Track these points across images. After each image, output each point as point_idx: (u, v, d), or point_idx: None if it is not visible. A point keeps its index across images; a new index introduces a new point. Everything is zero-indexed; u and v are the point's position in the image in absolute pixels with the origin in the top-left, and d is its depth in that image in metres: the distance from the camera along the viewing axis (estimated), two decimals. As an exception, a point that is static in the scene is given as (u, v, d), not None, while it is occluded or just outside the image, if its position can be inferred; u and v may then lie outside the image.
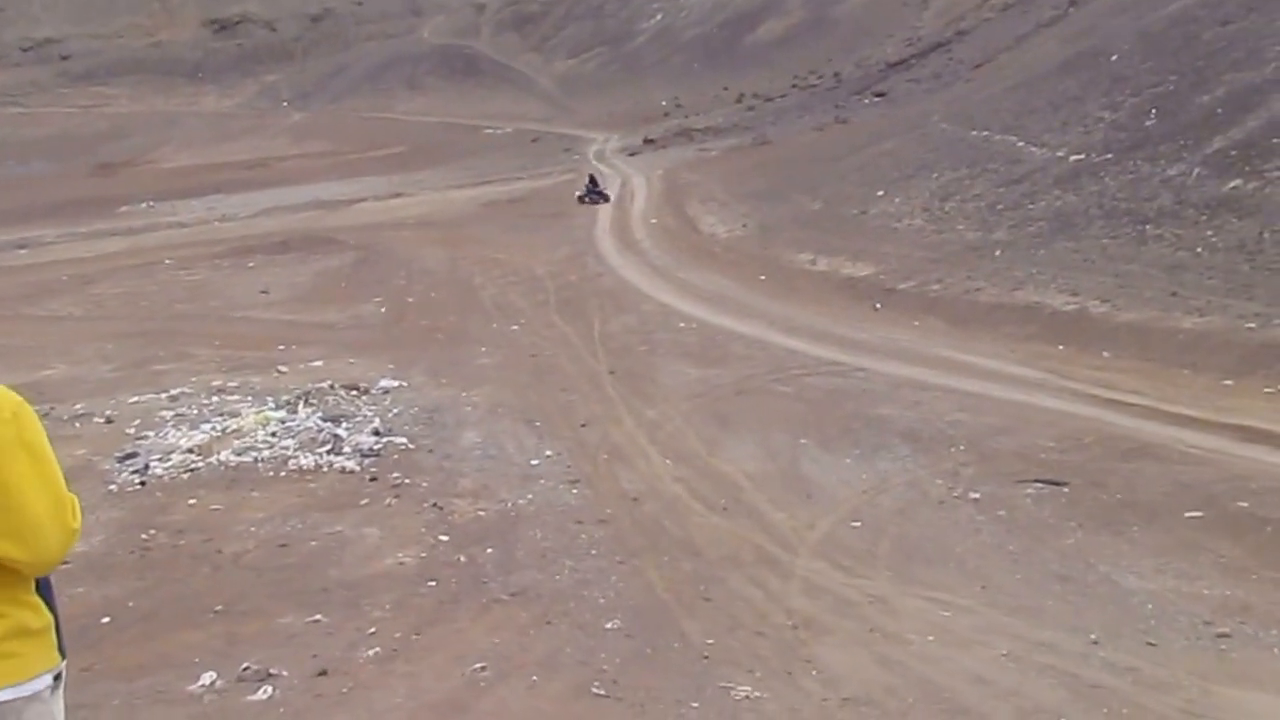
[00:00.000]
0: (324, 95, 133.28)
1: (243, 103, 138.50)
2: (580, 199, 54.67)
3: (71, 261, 49.21)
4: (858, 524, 15.38)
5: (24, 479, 4.21)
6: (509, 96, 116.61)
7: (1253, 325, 22.77)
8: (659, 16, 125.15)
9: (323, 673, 11.43)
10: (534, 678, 11.11)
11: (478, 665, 11.38)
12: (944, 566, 13.74)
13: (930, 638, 11.80)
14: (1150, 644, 11.48)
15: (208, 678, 11.38)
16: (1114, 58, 42.03)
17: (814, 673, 11.11)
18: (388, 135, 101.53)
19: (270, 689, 11.11)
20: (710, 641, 11.84)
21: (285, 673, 11.45)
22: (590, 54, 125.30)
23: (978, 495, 16.21)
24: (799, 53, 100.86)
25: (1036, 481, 16.60)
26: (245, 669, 11.50)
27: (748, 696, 10.62)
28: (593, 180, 56.31)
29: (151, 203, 73.46)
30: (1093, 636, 11.65)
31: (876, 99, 76.03)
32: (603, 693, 10.75)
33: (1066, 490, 16.20)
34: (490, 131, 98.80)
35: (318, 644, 12.17)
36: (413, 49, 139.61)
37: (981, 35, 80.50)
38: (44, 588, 4.49)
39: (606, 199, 54.41)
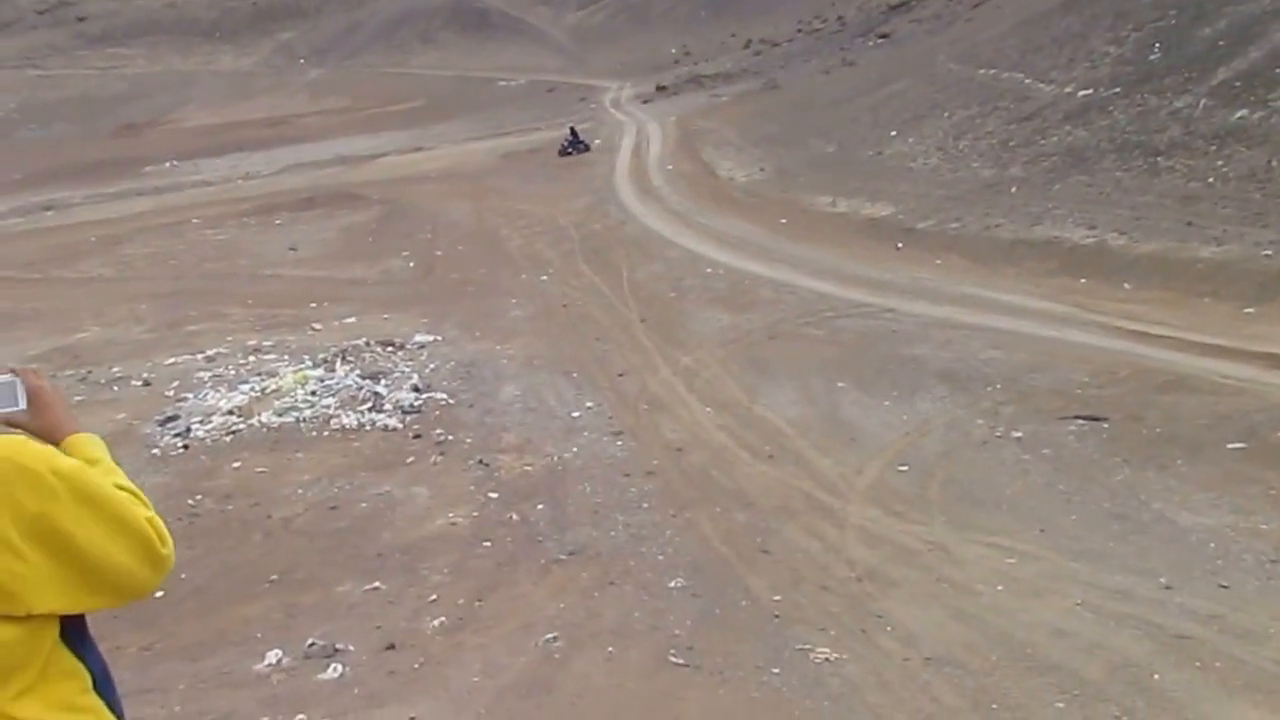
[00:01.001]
0: (340, 51, 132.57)
1: (260, 61, 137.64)
2: (561, 151, 54.29)
3: (99, 223, 48.78)
4: (905, 468, 14.97)
5: (94, 534, 3.57)
6: (522, 49, 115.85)
7: (1269, 253, 22.33)
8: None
9: (390, 646, 10.98)
10: (610, 649, 10.62)
11: (549, 635, 10.90)
12: (997, 509, 13.33)
13: (999, 587, 11.37)
14: (1223, 586, 11.03)
15: (273, 656, 10.92)
16: (1116, -8, 41.43)
17: (888, 629, 10.66)
18: (404, 90, 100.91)
19: (339, 666, 10.62)
20: (777, 598, 11.42)
21: (352, 647, 11.00)
22: (599, 5, 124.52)
23: (1020, 434, 15.78)
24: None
25: (1077, 418, 16.18)
26: (311, 645, 11.03)
27: (828, 659, 10.16)
28: (573, 132, 55.66)
29: (175, 162, 73.08)
30: (1163, 580, 11.21)
31: (881, 40, 75.45)
32: (681, 661, 10.29)
33: (1107, 426, 15.78)
34: (505, 84, 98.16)
35: (380, 614, 11.76)
36: (426, 4, 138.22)
37: (980, -25, 79.71)
38: (103, 685, 3.88)
39: (587, 148, 53.98)
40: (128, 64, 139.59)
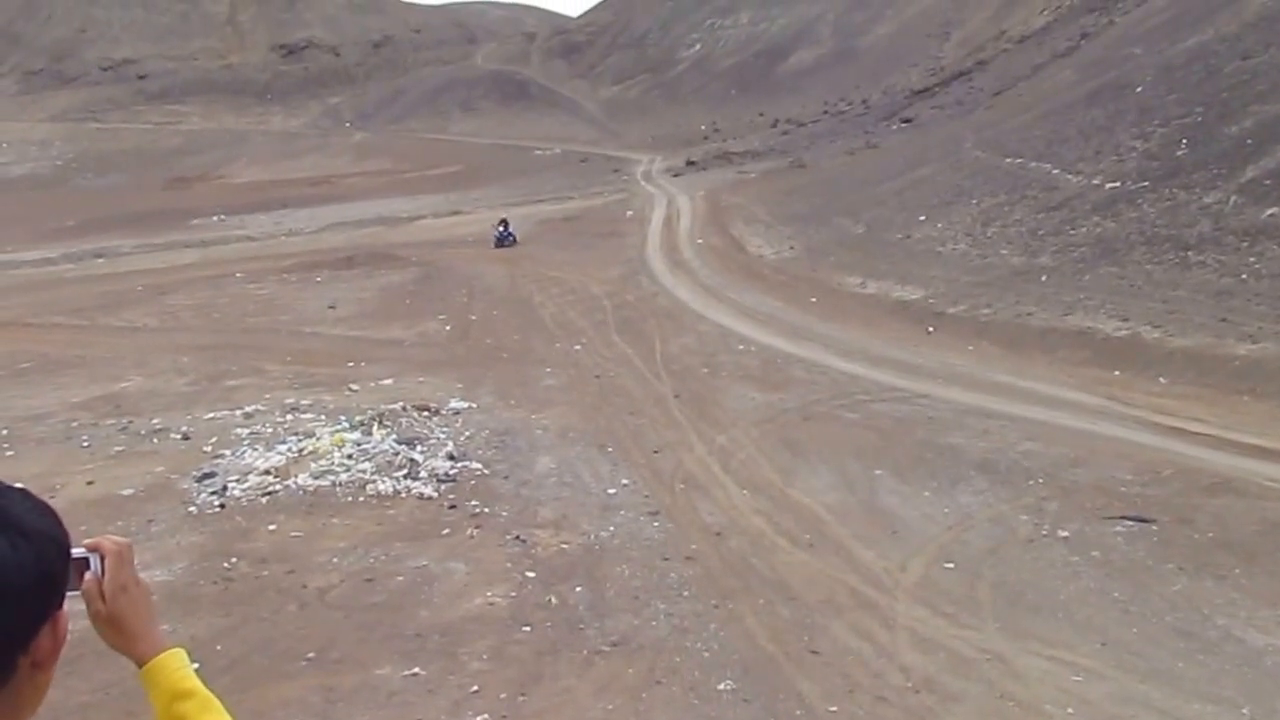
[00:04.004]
0: (384, 116, 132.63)
1: (308, 122, 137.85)
2: (497, 242, 50.90)
3: (146, 272, 48.26)
4: (951, 565, 14.10)
5: None
6: (557, 120, 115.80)
7: (1307, 354, 21.54)
8: (698, 46, 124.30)
9: (433, 744, 10.11)
10: (664, 764, 9.74)
11: (600, 743, 10.05)
12: (1052, 616, 12.45)
13: (1070, 710, 10.45)
14: (1308, 721, 10.14)
15: (314, 749, 10.06)
16: (1138, 89, 40.72)
17: (955, 755, 9.77)
18: (444, 155, 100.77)
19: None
20: (833, 709, 10.54)
21: (394, 742, 10.13)
22: (633, 81, 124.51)
23: (1066, 534, 14.93)
24: (829, 80, 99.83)
25: (1123, 518, 15.34)
26: (353, 739, 10.15)
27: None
28: (504, 224, 52.66)
29: (222, 216, 72.73)
30: (1245, 711, 10.30)
31: (904, 125, 74.86)
32: (740, 783, 9.39)
33: (1155, 528, 14.95)
34: (540, 152, 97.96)
35: (421, 704, 10.89)
36: (467, 74, 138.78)
37: (1000, 65, 79.22)
38: None
39: (515, 241, 50.93)
40: (183, 120, 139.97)
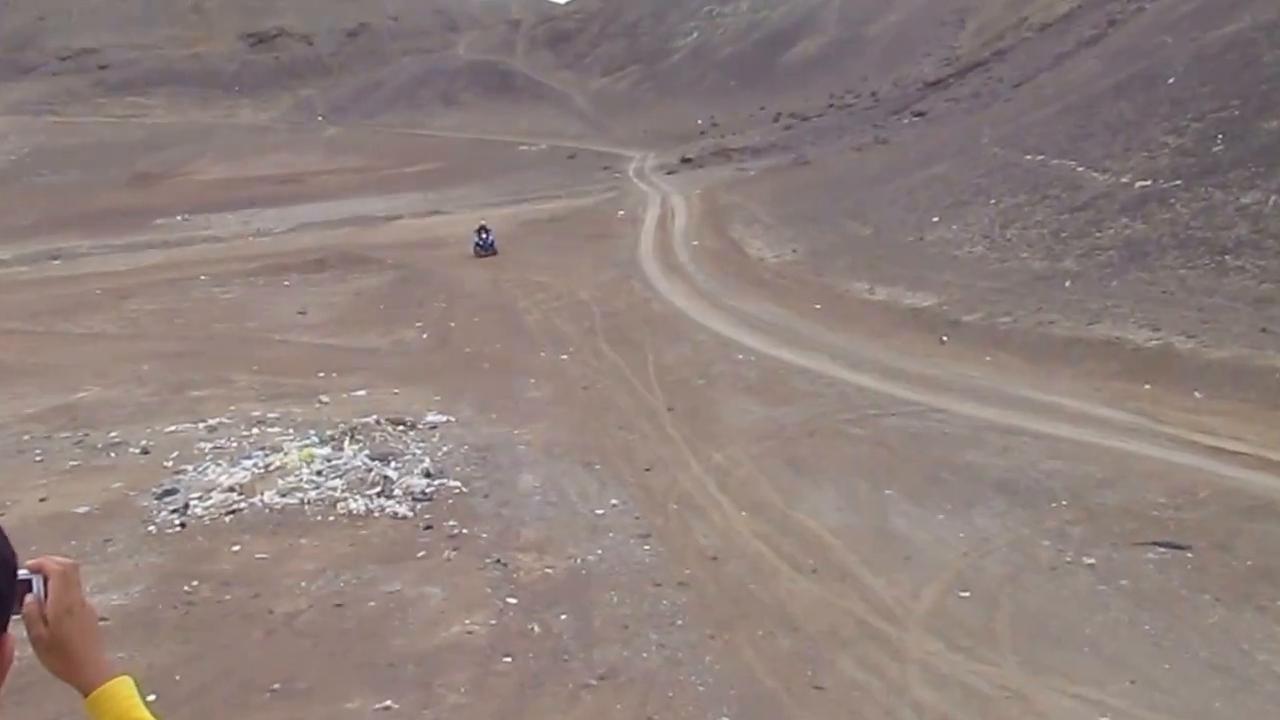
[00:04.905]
0: (359, 110, 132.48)
1: (278, 116, 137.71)
2: (476, 251, 49.41)
3: (106, 275, 48.15)
4: (967, 594, 13.97)
5: None
6: (544, 113, 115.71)
7: (1355, 366, 21.41)
8: (694, 35, 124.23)
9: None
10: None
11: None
12: (1076, 650, 12.31)
13: (1098, 756, 10.32)
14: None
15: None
16: (1170, 80, 40.60)
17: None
18: (423, 151, 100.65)
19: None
20: (840, 753, 10.41)
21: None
22: (624, 72, 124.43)
23: (1093, 560, 14.78)
24: (835, 72, 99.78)
25: (1155, 544, 15.17)
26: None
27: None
28: (483, 231, 50.94)
29: (186, 215, 72.57)
30: (1285, 756, 10.18)
31: (916, 119, 74.75)
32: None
33: (1190, 555, 14.79)
34: (525, 148, 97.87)
35: (394, 742, 10.78)
36: (448, 64, 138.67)
37: (1021, 54, 79.15)
38: None
39: (495, 252, 49.25)
40: (147, 113, 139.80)
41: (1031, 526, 16.24)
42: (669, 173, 73.51)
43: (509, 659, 12.50)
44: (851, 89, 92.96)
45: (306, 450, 20.92)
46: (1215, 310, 25.57)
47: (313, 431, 22.42)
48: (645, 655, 12.49)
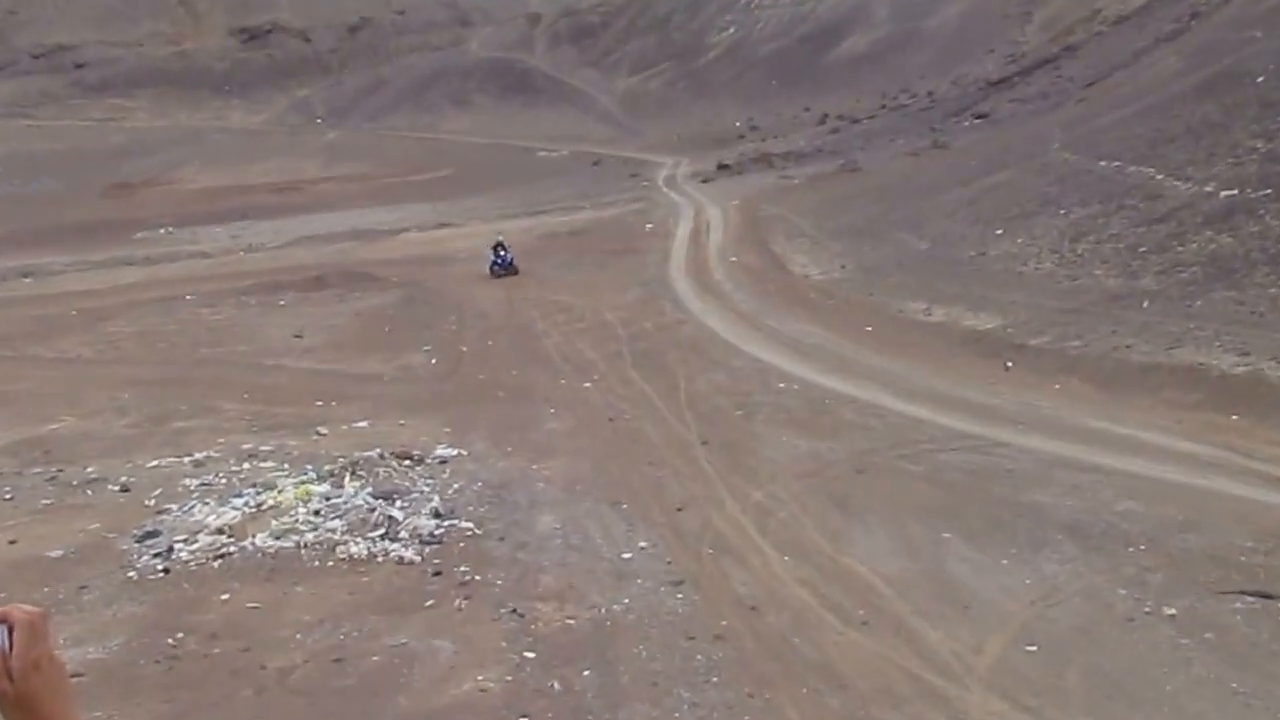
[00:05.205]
0: (362, 112, 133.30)
1: (273, 119, 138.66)
2: (491, 271, 48.88)
3: (82, 294, 48.44)
4: (1034, 648, 13.95)
5: None
6: (566, 116, 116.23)
7: None
8: (732, 29, 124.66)
9: None
10: None
11: None
12: (1156, 710, 12.30)
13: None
14: None
15: None
16: (1259, 79, 40.60)
17: None
18: (432, 157, 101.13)
19: None
20: (891, 823, 10.41)
21: None
22: (656, 70, 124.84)
23: (1174, 611, 14.73)
24: (888, 69, 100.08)
25: (1243, 593, 15.11)
26: None
27: None
28: (500, 247, 50.04)
29: (171, 228, 73.04)
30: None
31: (978, 121, 75.04)
32: None
33: (1282, 606, 14.75)
34: (545, 154, 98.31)
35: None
36: (460, 62, 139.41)
37: (1093, 51, 79.42)
38: None
39: (514, 271, 48.72)
40: (127, 116, 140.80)
41: (1105, 574, 16.18)
42: (704, 181, 73.78)
43: (526, 719, 12.52)
44: (906, 88, 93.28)
45: (303, 488, 20.99)
46: (1312, 333, 25.55)
47: (310, 467, 22.50)
48: (677, 716, 12.53)
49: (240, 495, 21.11)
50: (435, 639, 14.79)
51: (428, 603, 16.11)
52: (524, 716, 12.58)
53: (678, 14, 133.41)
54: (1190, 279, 30.34)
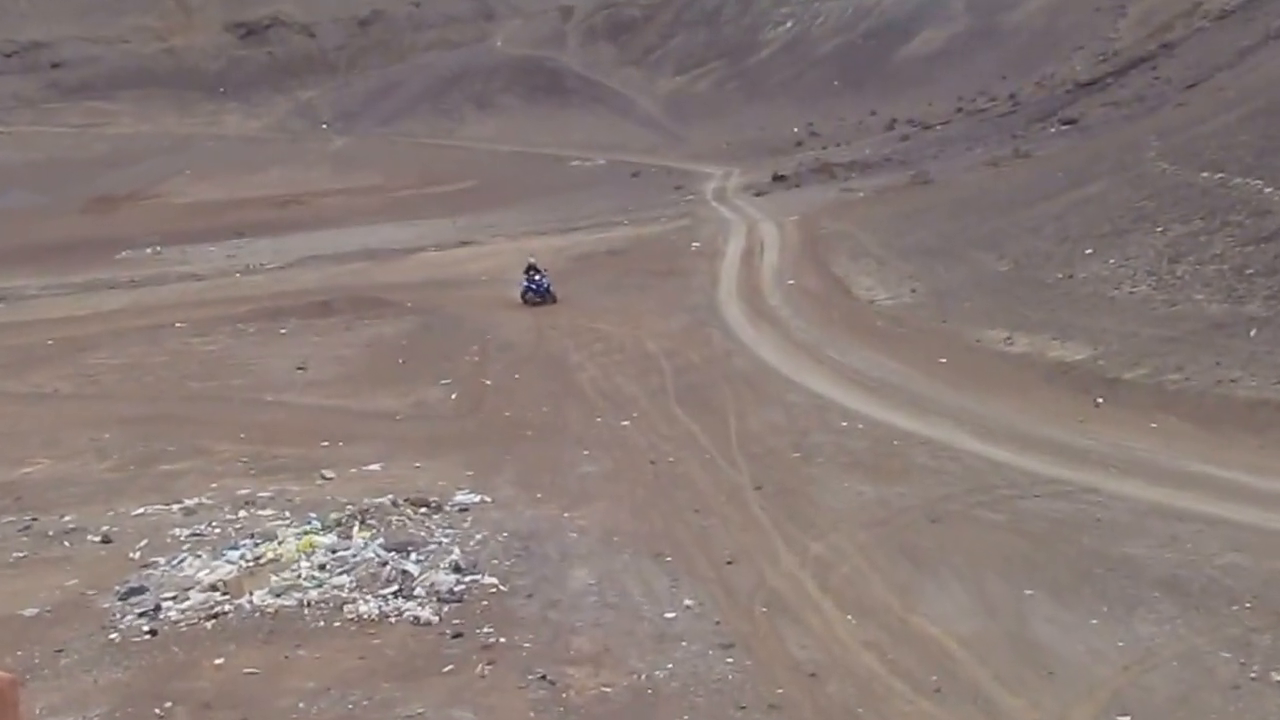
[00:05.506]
0: (373, 116, 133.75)
1: (273, 124, 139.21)
2: (523, 298, 48.16)
3: (60, 321, 48.78)
4: (1127, 718, 13.95)
5: None
6: (602, 120, 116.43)
7: None
8: (789, 24, 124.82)
9: None
10: None
11: None
12: (1270, 795, 12.31)
13: None
14: None
15: None
16: (1386, 80, 40.64)
17: None
18: (452, 167, 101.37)
19: None
20: None
21: None
22: (704, 69, 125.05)
23: (1285, 678, 14.75)
24: (964, 69, 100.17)
25: (1365, 660, 15.13)
26: None
27: None
28: (533, 270, 49.15)
29: (159, 247, 73.44)
30: None
31: (1065, 127, 74.94)
32: None
33: None
34: (579, 164, 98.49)
35: None
36: (483, 61, 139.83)
37: (1193, 48, 79.31)
38: None
39: (552, 299, 47.88)
40: (110, 122, 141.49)
41: (1207, 635, 16.19)
42: (757, 194, 73.95)
43: (557, 804, 12.61)
44: (985, 90, 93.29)
45: (306, 539, 21.05)
46: None
47: (314, 515, 22.58)
48: (725, 796, 12.56)
49: (236, 547, 21.17)
50: (455, 709, 14.85)
51: (446, 668, 16.16)
52: (554, 796, 12.66)
53: (728, 6, 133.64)
54: (1305, 305, 30.36)
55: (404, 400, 33.43)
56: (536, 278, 48.20)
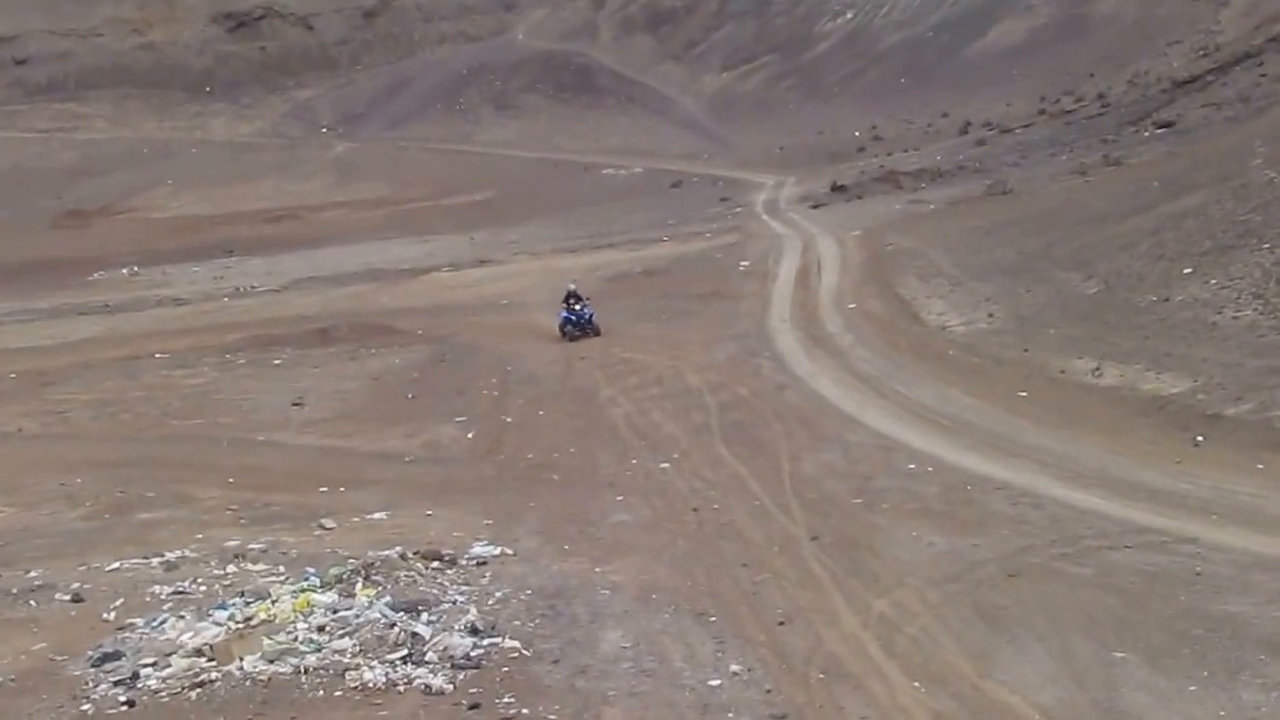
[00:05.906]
0: (379, 118, 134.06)
1: (266, 127, 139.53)
2: (562, 329, 47.44)
3: (24, 351, 49.01)
4: (1228, 798, 14.00)
5: None
6: (638, 123, 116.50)
7: None
8: (849, 14, 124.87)
9: None
10: None
11: None
12: None
13: None
14: None
15: None
16: None
17: None
18: (467, 175, 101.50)
19: None
20: None
21: None
22: (753, 65, 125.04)
23: (1405, 751, 14.77)
24: (1048, 66, 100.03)
25: None
26: None
27: None
28: (573, 298, 48.24)
29: (136, 268, 73.69)
30: None
31: (1162, 131, 74.88)
32: None
33: None
34: (612, 172, 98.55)
35: None
36: (502, 56, 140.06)
37: (1306, 43, 79.17)
38: None
39: (595, 331, 47.22)
40: (82, 125, 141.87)
41: (1322, 705, 16.20)
42: (814, 206, 74.05)
43: None
44: (1071, 90, 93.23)
45: (303, 597, 21.05)
46: None
47: (311, 570, 22.58)
48: None
49: (224, 607, 21.17)
50: (471, 790, 14.90)
51: (461, 744, 16.21)
52: None
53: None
54: None
55: (413, 440, 33.50)
56: (577, 307, 47.56)
